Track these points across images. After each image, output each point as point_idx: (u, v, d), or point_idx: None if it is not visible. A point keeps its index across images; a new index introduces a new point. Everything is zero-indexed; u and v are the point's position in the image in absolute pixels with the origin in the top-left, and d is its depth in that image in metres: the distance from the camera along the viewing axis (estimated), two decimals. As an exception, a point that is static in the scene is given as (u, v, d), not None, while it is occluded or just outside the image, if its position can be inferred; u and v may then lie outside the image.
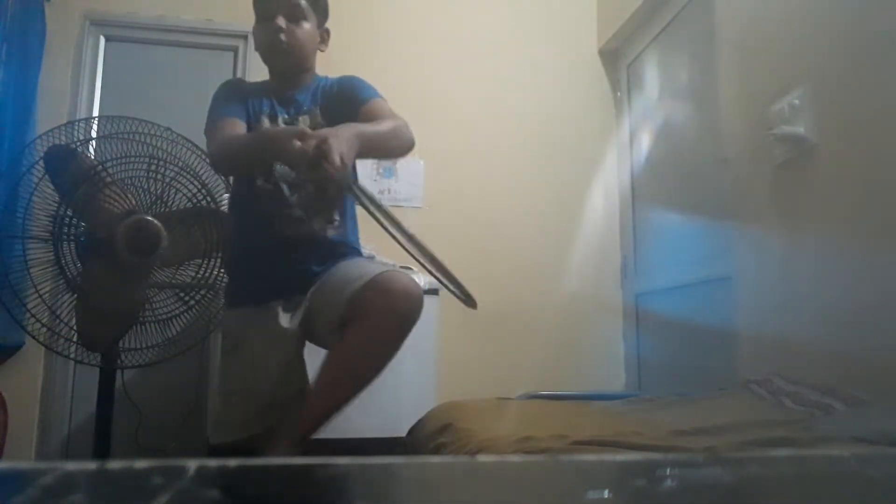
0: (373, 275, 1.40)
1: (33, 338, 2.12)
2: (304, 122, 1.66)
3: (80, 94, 2.86)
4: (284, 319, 1.55)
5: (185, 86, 2.91)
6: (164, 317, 2.15)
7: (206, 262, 2.16)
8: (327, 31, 1.77)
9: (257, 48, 1.73)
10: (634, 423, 1.53)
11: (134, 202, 2.06)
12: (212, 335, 2.25)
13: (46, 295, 2.12)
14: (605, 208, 3.18)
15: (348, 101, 1.66)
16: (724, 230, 2.27)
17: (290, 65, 1.71)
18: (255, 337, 1.57)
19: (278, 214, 1.61)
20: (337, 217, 1.67)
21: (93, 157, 2.15)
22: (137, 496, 0.35)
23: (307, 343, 1.58)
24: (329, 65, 1.83)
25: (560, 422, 1.56)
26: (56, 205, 2.05)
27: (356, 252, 1.73)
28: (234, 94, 1.71)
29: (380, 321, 1.36)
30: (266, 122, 1.67)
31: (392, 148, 1.60)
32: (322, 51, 1.78)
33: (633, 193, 3.11)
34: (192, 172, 2.12)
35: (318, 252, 1.63)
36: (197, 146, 2.13)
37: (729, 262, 2.23)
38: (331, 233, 1.66)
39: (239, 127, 1.62)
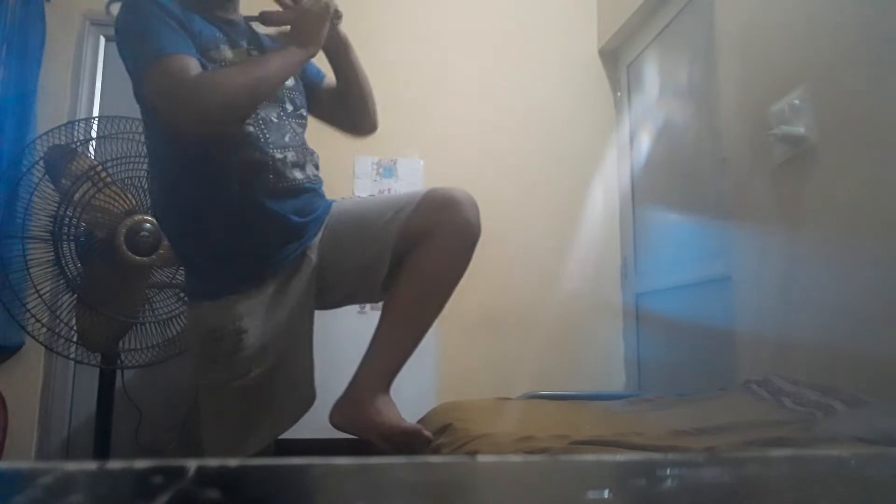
0: (423, 193, 1.25)
1: (33, 338, 2.13)
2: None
3: (80, 94, 2.86)
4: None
5: (185, 86, 2.90)
6: (164, 317, 2.16)
7: (206, 262, 2.16)
8: None
9: None
10: (634, 423, 1.53)
11: (134, 202, 2.06)
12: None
13: (46, 295, 2.12)
14: (605, 208, 3.18)
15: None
16: (724, 230, 2.27)
17: None
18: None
19: (271, 164, 1.26)
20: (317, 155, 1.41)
21: (93, 157, 2.15)
22: (137, 496, 0.35)
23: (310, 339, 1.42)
24: (327, 65, 1.74)
25: (560, 422, 1.56)
26: (56, 205, 2.05)
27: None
28: (168, 17, 1.25)
29: (452, 236, 1.23)
30: (228, 54, 1.29)
31: None
32: None
33: (633, 193, 3.10)
34: (192, 172, 2.12)
35: (309, 204, 1.35)
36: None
37: (729, 262, 2.23)
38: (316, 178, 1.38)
39: (195, 67, 1.19)
